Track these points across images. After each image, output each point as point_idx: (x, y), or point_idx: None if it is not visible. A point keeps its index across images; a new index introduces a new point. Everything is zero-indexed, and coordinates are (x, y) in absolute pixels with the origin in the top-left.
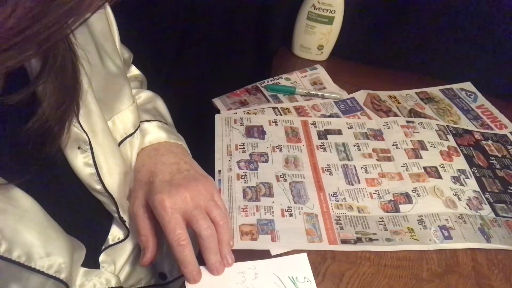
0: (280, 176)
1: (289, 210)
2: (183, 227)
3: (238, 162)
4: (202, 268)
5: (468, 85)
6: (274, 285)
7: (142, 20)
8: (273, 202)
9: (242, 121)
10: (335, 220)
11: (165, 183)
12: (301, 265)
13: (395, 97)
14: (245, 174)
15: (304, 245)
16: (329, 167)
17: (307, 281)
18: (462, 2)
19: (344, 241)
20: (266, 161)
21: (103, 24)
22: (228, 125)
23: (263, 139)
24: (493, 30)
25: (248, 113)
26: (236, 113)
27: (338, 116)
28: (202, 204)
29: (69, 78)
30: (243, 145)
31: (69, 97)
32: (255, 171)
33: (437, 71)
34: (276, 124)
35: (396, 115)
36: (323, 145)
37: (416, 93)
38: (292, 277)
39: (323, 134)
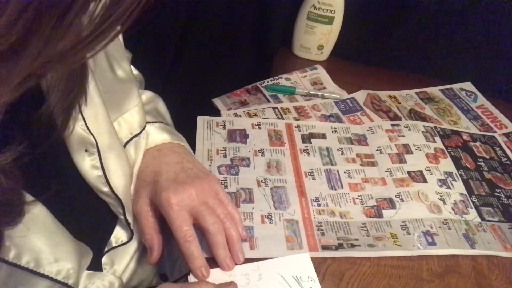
0: (262, 181)
1: (269, 217)
2: (190, 223)
3: (218, 167)
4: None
5: (468, 85)
6: (279, 285)
7: (142, 20)
8: (253, 208)
9: (224, 125)
10: (316, 226)
11: (170, 181)
12: (304, 264)
13: (395, 97)
14: (225, 179)
15: (283, 253)
16: (312, 172)
17: (311, 280)
18: (462, 2)
19: (325, 247)
20: (248, 165)
21: None
22: (210, 128)
23: (245, 143)
24: (493, 30)
25: (230, 115)
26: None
27: (338, 116)
28: (208, 201)
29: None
30: (225, 150)
31: (78, 84)
32: (235, 176)
33: (437, 71)
34: (260, 127)
35: (396, 115)
36: (307, 149)
37: (416, 93)
38: (296, 276)
39: (307, 138)
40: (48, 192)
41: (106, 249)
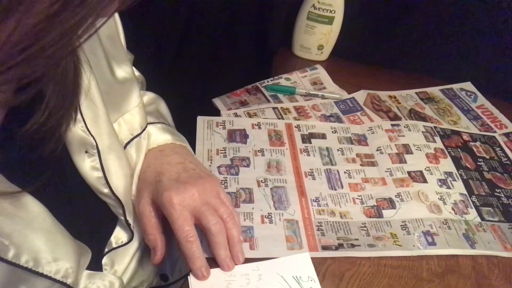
0: (262, 181)
1: (269, 217)
2: (191, 223)
3: (218, 167)
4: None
5: (468, 85)
6: (279, 285)
7: (142, 20)
8: (253, 208)
9: (224, 125)
10: (316, 226)
11: (172, 181)
12: (304, 264)
13: (395, 97)
14: (225, 180)
15: (283, 253)
16: (312, 172)
17: (311, 280)
18: (462, 3)
19: (325, 247)
20: (248, 165)
21: (111, 30)
22: (210, 128)
23: (245, 143)
24: (494, 30)
25: (230, 115)
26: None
27: (338, 116)
28: (210, 201)
29: (70, 83)
30: (224, 150)
31: (68, 102)
32: (235, 176)
33: (437, 71)
34: (260, 127)
35: (396, 115)
36: (307, 149)
37: (416, 93)
38: (296, 276)
39: (307, 138)
40: (40, 181)
41: (106, 249)
